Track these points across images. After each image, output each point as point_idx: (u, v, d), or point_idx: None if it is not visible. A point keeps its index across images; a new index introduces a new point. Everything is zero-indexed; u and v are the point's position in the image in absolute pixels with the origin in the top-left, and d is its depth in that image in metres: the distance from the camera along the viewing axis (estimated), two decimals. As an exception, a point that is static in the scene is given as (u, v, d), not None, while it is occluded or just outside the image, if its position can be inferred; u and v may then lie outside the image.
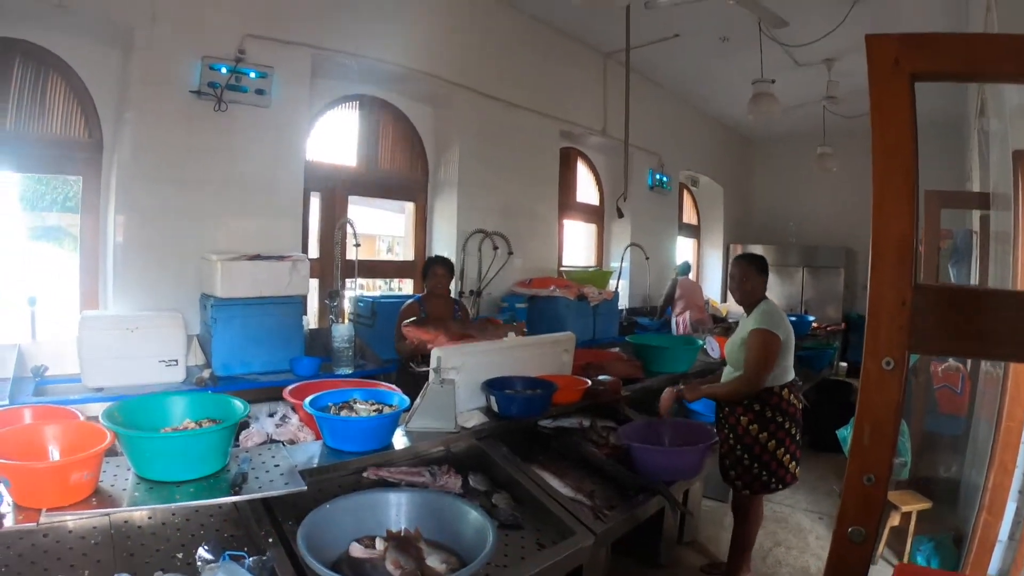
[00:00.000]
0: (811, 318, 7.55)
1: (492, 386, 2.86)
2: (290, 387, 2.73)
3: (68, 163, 3.68)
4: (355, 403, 2.45)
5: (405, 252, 5.74)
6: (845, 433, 3.49)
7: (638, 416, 3.36)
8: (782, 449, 2.99)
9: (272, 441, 2.50)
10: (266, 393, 3.60)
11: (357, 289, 4.12)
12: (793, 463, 3.04)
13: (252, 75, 3.82)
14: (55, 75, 3.59)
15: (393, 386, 2.87)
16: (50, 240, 3.90)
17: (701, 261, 10.46)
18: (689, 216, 10.04)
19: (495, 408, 2.80)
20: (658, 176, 7.90)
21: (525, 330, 3.86)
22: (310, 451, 2.28)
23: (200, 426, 2.10)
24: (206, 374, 3.34)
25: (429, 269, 3.90)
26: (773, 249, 9.96)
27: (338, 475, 2.23)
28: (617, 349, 5.89)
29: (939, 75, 1.07)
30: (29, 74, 3.52)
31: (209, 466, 1.97)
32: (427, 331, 3.30)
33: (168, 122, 3.67)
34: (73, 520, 1.70)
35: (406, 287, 5.67)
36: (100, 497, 1.79)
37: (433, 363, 2.62)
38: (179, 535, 1.85)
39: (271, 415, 2.73)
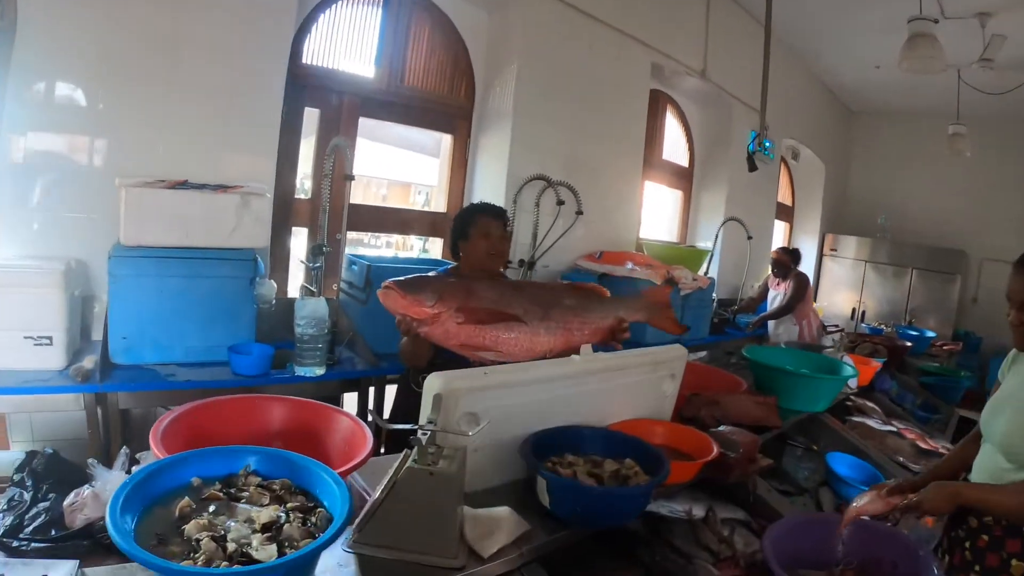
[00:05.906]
0: (931, 333, 5.98)
1: (540, 450, 1.45)
2: (164, 422, 1.43)
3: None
4: (245, 480, 1.15)
5: (437, 201, 4.42)
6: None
7: (776, 496, 2.01)
8: None
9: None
10: (187, 396, 2.39)
11: (346, 245, 2.82)
12: None
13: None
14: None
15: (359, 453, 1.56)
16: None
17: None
18: (783, 195, 8.38)
19: (545, 500, 1.42)
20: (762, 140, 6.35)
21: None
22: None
23: None
24: (88, 363, 2.12)
25: (470, 224, 2.22)
26: (869, 243, 8.39)
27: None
28: (703, 355, 4.49)
29: None
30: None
31: None
32: (423, 300, 1.62)
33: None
34: None
35: (435, 248, 4.37)
36: None
37: (425, 407, 1.27)
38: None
39: (134, 464, 1.51)
